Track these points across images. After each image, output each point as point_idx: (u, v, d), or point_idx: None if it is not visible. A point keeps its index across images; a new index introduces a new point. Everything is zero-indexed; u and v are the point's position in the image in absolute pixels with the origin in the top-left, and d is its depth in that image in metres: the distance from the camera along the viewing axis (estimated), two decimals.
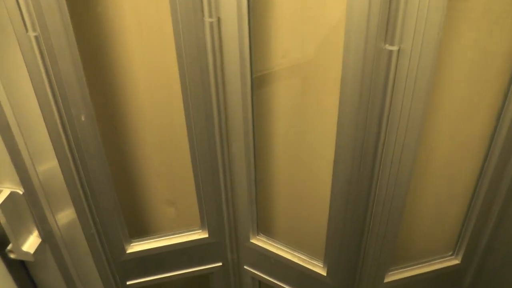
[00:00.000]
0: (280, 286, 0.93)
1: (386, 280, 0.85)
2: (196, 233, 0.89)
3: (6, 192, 0.81)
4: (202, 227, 0.88)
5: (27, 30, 0.63)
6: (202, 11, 0.63)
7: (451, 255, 0.88)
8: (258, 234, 0.89)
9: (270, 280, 0.94)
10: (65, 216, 0.84)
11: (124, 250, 0.88)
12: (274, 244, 0.88)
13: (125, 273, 0.93)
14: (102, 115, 0.79)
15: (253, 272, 0.95)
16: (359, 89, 0.62)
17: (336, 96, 0.65)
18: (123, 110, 0.86)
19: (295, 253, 0.87)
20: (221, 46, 0.66)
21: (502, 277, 0.88)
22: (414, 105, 0.63)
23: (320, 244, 0.84)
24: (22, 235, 0.86)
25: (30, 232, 0.87)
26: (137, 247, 0.89)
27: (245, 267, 0.95)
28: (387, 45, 0.58)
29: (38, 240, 0.87)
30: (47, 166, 0.78)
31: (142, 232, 0.95)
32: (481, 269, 0.87)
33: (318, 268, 0.85)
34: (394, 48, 0.58)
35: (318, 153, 0.82)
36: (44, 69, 0.67)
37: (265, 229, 0.90)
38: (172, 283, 1.11)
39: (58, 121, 0.72)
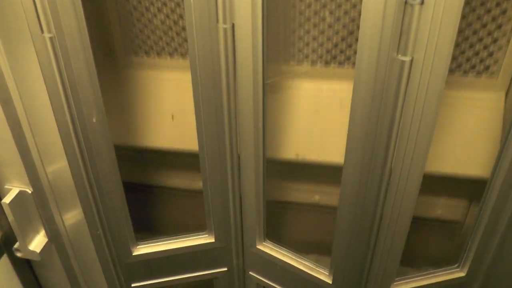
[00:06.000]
0: None
1: None
2: (203, 237, 0.89)
3: (15, 191, 0.81)
4: (209, 231, 0.88)
5: (42, 31, 0.64)
6: (217, 17, 0.63)
7: (457, 267, 0.87)
8: (264, 241, 0.89)
9: (274, 287, 0.93)
10: (72, 217, 0.85)
11: (130, 252, 0.88)
12: (280, 251, 0.88)
13: (130, 275, 0.93)
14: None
15: (258, 278, 0.94)
16: (370, 98, 0.62)
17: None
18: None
19: (301, 261, 0.87)
20: (234, 52, 0.67)
21: None
22: (424, 115, 0.63)
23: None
24: (29, 234, 0.86)
25: (37, 232, 0.87)
26: (143, 249, 0.89)
27: (250, 273, 0.95)
28: (399, 55, 0.58)
29: (45, 240, 0.87)
30: (57, 166, 0.78)
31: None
32: (487, 282, 0.87)
33: (324, 276, 0.85)
34: (407, 58, 0.58)
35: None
36: (57, 70, 0.67)
37: (271, 235, 0.90)
38: (176, 287, 1.11)
39: (69, 121, 0.72)
